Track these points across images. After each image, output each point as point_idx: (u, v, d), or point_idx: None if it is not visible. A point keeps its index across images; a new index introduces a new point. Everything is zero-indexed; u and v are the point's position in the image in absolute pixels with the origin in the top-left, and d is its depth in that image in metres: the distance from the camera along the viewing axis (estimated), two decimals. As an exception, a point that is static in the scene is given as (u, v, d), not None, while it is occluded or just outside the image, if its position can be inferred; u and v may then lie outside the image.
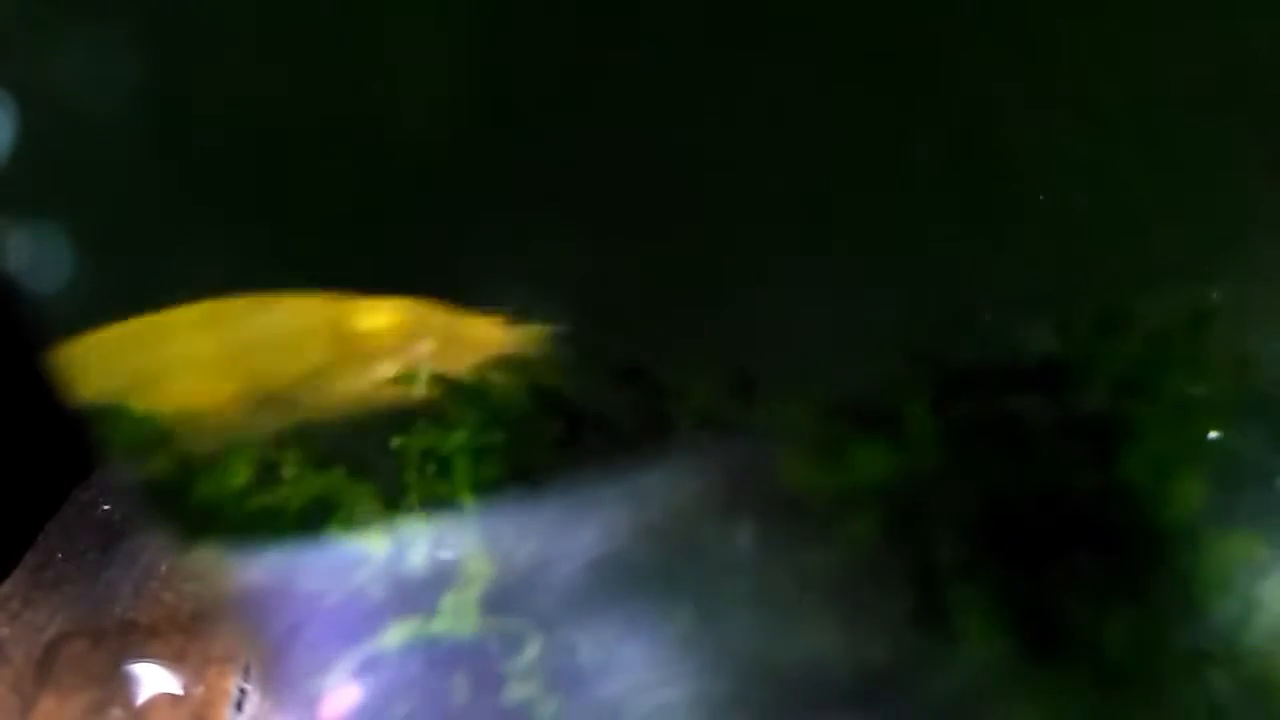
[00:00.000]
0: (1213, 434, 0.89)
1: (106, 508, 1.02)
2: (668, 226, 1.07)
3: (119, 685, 0.88)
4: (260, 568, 0.96)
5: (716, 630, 0.89)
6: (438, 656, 0.90)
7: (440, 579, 0.93)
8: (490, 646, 0.90)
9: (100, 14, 1.08)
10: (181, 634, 0.91)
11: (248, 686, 0.89)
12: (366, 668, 0.91)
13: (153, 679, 0.88)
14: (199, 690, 0.88)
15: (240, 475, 0.96)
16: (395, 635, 0.90)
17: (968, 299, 1.02)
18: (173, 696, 0.87)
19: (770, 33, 1.09)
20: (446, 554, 0.92)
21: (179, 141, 1.10)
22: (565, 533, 0.90)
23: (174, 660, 0.89)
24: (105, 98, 1.06)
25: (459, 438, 0.95)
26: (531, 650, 0.89)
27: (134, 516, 1.00)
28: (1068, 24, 1.05)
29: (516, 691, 0.88)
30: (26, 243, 1.06)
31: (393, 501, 0.95)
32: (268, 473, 0.97)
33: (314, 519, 0.95)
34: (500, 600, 0.92)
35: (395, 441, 0.96)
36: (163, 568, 0.96)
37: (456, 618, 0.90)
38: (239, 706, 0.88)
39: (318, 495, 0.95)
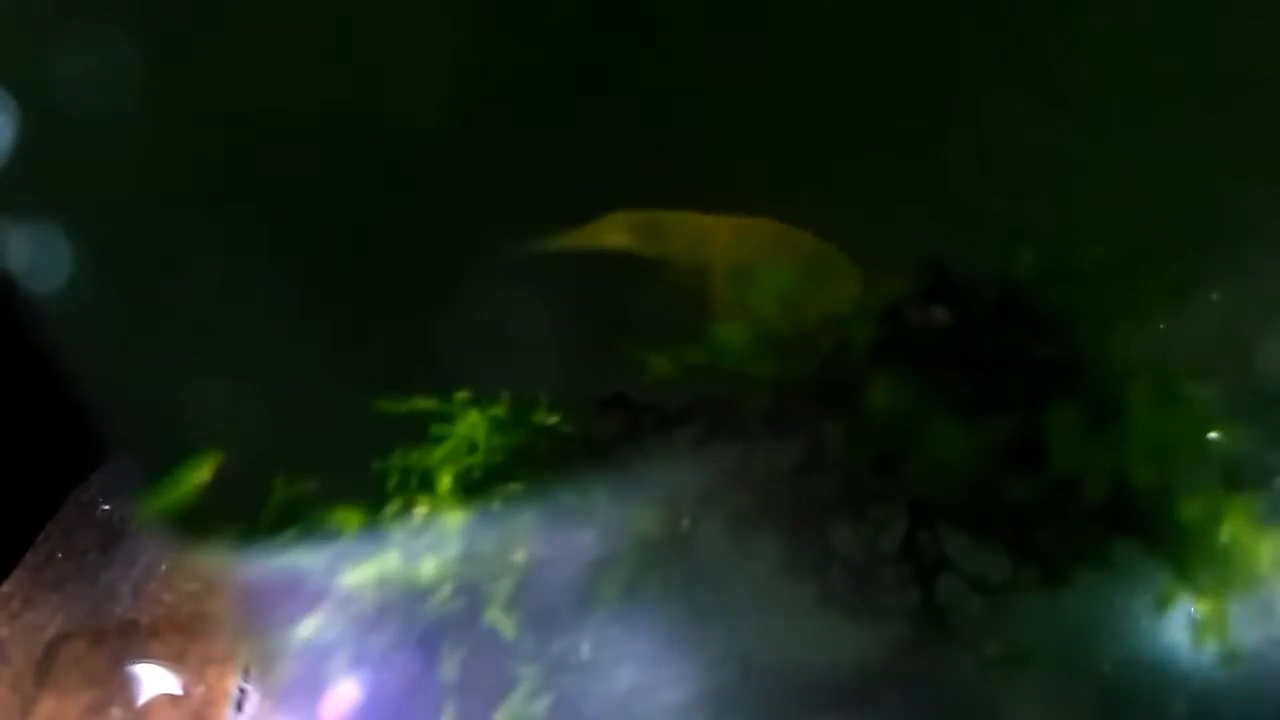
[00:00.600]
0: (1213, 435, 0.89)
1: (106, 508, 1.02)
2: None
3: (119, 685, 0.88)
4: (260, 567, 0.96)
5: (711, 629, 0.89)
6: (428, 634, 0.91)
7: (440, 580, 0.93)
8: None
9: (100, 14, 1.08)
10: (181, 634, 0.91)
11: (248, 686, 0.90)
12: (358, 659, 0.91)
13: (153, 679, 0.88)
14: (199, 690, 0.88)
15: (200, 476, 0.96)
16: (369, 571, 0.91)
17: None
18: (173, 696, 0.87)
19: (771, 30, 1.09)
20: (444, 558, 0.93)
21: (179, 141, 1.10)
22: (560, 538, 0.90)
23: (174, 660, 0.89)
24: (105, 98, 1.06)
25: (439, 454, 0.95)
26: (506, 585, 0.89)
27: (134, 516, 1.00)
28: (1069, 23, 1.05)
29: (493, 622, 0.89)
30: (26, 243, 1.06)
31: (375, 512, 0.95)
32: (234, 477, 0.97)
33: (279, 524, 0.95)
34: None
35: (375, 464, 0.96)
36: (163, 568, 0.96)
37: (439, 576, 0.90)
38: (239, 706, 0.88)
39: (284, 504, 0.95)
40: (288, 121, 1.09)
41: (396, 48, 1.10)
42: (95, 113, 1.07)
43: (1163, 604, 0.86)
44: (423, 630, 0.92)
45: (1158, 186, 1.01)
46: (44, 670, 0.89)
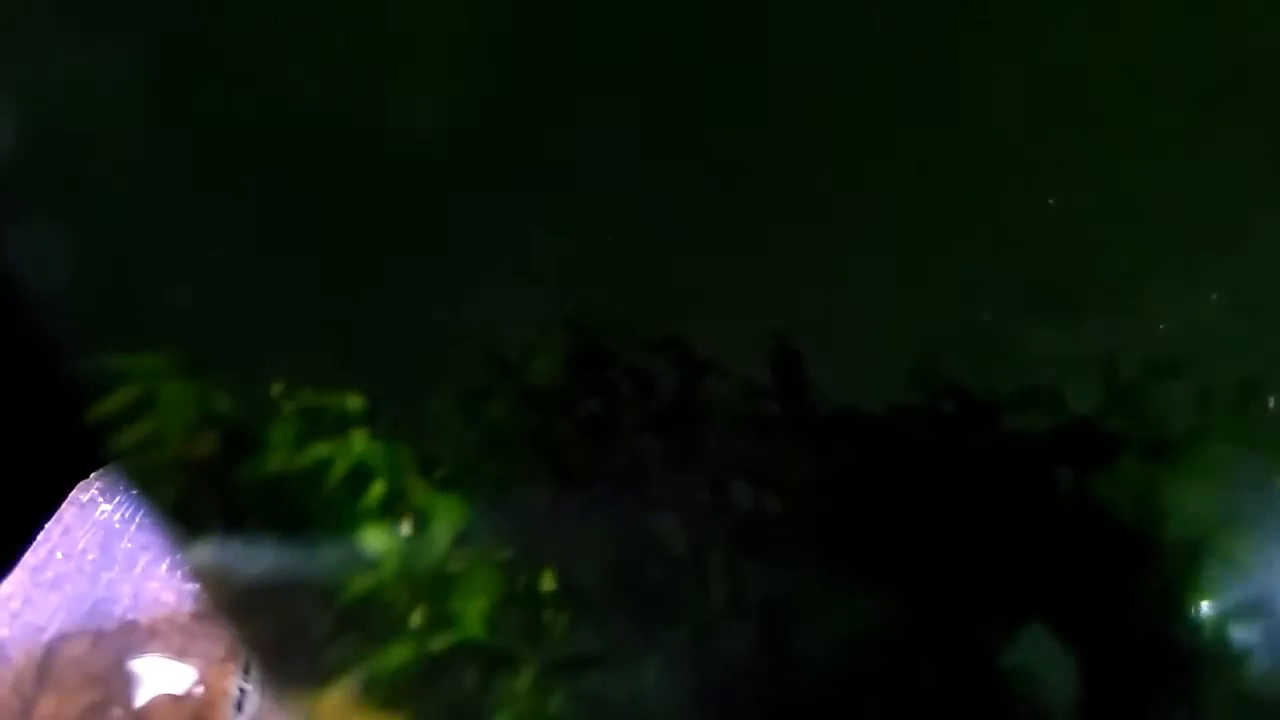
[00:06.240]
0: None
1: (106, 508, 1.03)
2: (664, 228, 1.07)
3: (119, 685, 0.88)
4: (262, 565, 0.96)
5: (717, 633, 0.89)
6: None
7: (448, 578, 0.93)
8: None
9: (100, 14, 1.08)
10: (181, 634, 0.91)
11: (248, 686, 0.90)
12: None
13: (153, 679, 0.88)
14: (199, 690, 0.88)
15: (280, 452, 0.95)
16: (398, 654, 0.90)
17: (969, 299, 1.02)
18: (173, 696, 0.88)
19: (771, 33, 1.09)
20: (457, 552, 0.92)
21: (180, 141, 1.10)
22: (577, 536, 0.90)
23: (174, 660, 0.89)
24: (105, 97, 1.06)
25: (495, 410, 0.94)
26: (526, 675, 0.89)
27: (134, 516, 1.00)
28: (1069, 24, 1.06)
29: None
30: (27, 243, 1.06)
31: (429, 470, 0.93)
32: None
33: (352, 488, 0.94)
34: (505, 606, 0.92)
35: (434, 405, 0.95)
36: (163, 568, 0.96)
37: (464, 628, 0.90)
38: (239, 706, 0.88)
39: (357, 460, 0.94)
40: (288, 119, 1.09)
41: (400, 45, 1.10)
42: (95, 113, 1.07)
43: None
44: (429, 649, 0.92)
45: (1158, 188, 1.01)
46: (44, 670, 0.89)
